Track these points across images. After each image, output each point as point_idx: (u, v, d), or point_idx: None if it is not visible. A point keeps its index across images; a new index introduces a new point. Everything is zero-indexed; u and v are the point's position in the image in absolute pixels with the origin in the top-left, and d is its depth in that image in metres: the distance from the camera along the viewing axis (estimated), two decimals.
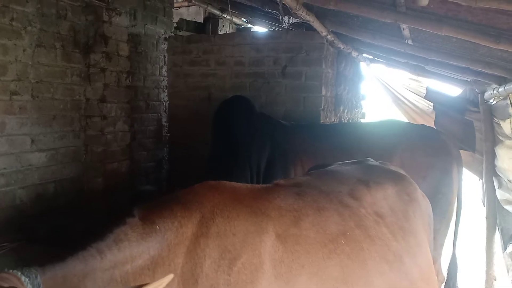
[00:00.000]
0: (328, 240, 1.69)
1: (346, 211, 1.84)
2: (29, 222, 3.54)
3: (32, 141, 3.59)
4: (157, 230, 1.47)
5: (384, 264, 1.76)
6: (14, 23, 3.41)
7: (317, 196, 1.86)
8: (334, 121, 4.95)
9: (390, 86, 6.26)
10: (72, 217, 3.77)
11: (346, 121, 5.40)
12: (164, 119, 5.23)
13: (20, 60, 3.47)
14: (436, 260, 3.38)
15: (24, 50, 3.50)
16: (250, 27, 6.88)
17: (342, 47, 4.69)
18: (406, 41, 3.67)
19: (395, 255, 1.82)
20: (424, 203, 2.21)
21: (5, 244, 3.25)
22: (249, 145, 3.42)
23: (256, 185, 1.92)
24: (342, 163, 2.40)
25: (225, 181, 1.83)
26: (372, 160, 2.46)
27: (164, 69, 5.18)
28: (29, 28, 3.53)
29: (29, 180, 3.58)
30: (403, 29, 3.30)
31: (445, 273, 3.47)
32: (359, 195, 1.97)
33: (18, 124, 3.47)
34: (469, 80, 4.17)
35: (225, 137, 3.45)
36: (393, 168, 2.39)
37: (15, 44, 3.42)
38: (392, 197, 2.05)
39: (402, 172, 2.39)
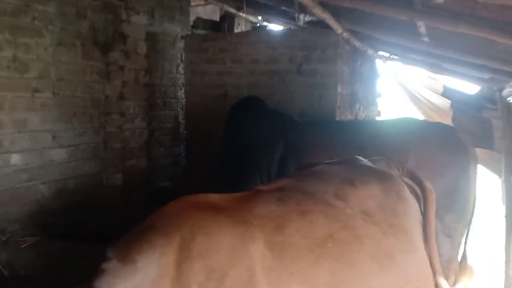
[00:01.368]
0: (314, 244, 1.61)
1: (332, 212, 1.77)
2: (50, 216, 3.64)
3: (54, 137, 3.69)
4: (139, 268, 1.38)
5: (375, 263, 1.70)
6: (35, 22, 3.50)
7: (301, 199, 1.78)
8: (350, 118, 4.95)
9: (407, 84, 6.22)
10: (91, 212, 3.86)
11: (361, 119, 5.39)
12: (180, 117, 5.30)
13: (41, 59, 3.56)
14: (453, 259, 3.35)
15: (45, 49, 3.59)
16: (266, 25, 6.90)
17: (357, 44, 4.69)
18: (423, 38, 3.65)
19: (386, 253, 1.75)
20: (415, 203, 2.12)
21: (26, 238, 3.35)
22: (262, 143, 3.44)
23: (236, 193, 1.83)
24: (329, 162, 2.34)
25: (201, 194, 1.73)
26: (362, 158, 2.37)
27: (181, 67, 5.25)
28: (50, 27, 3.62)
29: (51, 176, 3.67)
30: (420, 27, 3.29)
31: None
32: (345, 195, 1.89)
33: (40, 121, 3.56)
34: (486, 77, 4.13)
35: (238, 137, 3.49)
36: (380, 167, 2.27)
37: (36, 43, 3.52)
38: (379, 195, 1.97)
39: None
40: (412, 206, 2.07)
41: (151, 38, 4.67)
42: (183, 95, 5.21)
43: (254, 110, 3.62)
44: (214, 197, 1.73)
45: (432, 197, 2.18)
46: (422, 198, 2.19)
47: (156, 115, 4.83)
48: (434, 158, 3.34)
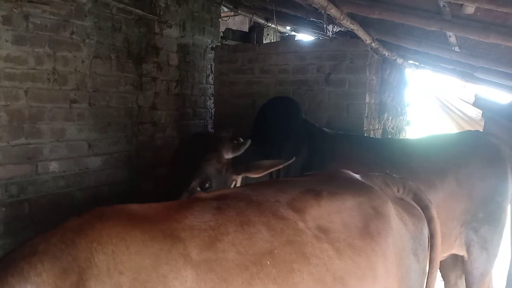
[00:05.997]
0: (250, 262, 1.43)
1: (278, 225, 1.57)
2: None
3: (89, 146, 3.82)
4: None
5: (319, 287, 1.51)
6: (74, 36, 3.65)
7: (243, 209, 1.58)
8: (378, 128, 4.93)
9: (437, 93, 6.15)
10: None
11: (390, 129, 5.36)
12: (210, 126, 5.40)
13: (79, 71, 3.70)
14: (488, 272, 3.29)
15: (82, 62, 3.74)
16: (294, 35, 6.97)
17: (387, 54, 4.68)
18: (453, 48, 3.64)
19: (336, 277, 1.55)
20: (397, 222, 1.86)
21: None
22: (284, 146, 3.41)
23: (167, 202, 1.65)
24: (309, 173, 2.15)
25: (120, 205, 1.54)
26: (352, 173, 2.11)
27: (210, 78, 5.36)
28: (87, 40, 3.77)
29: (86, 183, 3.80)
30: (450, 36, 3.28)
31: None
32: (302, 207, 1.68)
33: (76, 130, 3.70)
34: None
35: (263, 135, 3.49)
36: (373, 182, 2.02)
37: (74, 56, 3.66)
38: (350, 210, 1.76)
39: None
40: (394, 226, 1.83)
41: (182, 50, 4.79)
42: (212, 105, 5.32)
43: (284, 111, 3.64)
44: (135, 207, 1.53)
45: (438, 227, 1.99)
46: (428, 225, 1.99)
47: (186, 125, 4.94)
48: (473, 175, 3.22)
